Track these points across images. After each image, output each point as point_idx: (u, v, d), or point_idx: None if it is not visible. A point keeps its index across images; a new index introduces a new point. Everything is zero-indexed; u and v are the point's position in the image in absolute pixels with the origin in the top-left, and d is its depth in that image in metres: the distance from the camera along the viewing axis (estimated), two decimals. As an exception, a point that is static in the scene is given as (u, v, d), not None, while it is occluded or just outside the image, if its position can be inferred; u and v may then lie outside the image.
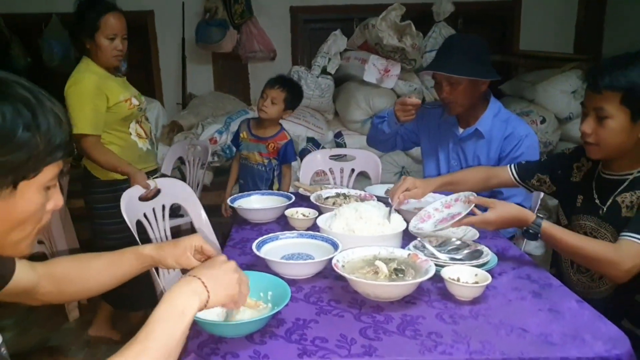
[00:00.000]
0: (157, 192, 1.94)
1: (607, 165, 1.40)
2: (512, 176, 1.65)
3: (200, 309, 0.84)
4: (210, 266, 0.92)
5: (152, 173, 2.21)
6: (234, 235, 1.62)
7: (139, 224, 1.80)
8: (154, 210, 1.91)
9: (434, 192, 1.72)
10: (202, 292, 0.84)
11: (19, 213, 0.72)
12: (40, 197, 0.74)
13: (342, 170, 2.81)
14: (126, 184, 1.94)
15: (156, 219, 1.91)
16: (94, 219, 2.11)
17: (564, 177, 1.54)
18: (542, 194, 2.05)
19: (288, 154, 2.44)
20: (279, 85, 2.33)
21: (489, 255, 1.31)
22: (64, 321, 2.65)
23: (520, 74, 4.11)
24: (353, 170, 2.76)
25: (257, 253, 1.30)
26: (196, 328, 1.02)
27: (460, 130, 1.97)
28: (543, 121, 3.58)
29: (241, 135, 2.47)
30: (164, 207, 1.95)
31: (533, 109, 3.65)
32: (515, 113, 2.42)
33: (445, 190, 1.74)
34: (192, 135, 3.58)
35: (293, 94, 2.38)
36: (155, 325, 0.76)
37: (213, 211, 3.26)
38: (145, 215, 1.85)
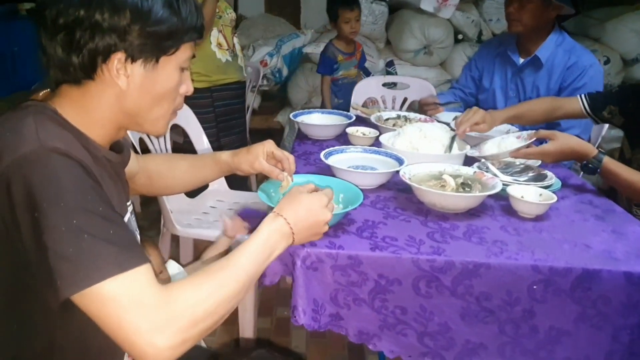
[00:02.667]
0: None
1: None
2: (582, 107, 1.60)
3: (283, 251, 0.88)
4: (296, 201, 0.89)
5: (234, 85, 2.26)
6: (297, 147, 1.68)
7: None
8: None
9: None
10: (289, 237, 0.87)
11: (159, 87, 0.79)
12: (176, 75, 0.81)
13: (394, 99, 2.80)
14: (208, 92, 2.13)
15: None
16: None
17: (634, 108, 1.51)
18: (604, 129, 2.01)
19: (363, 57, 2.94)
20: (355, 5, 2.67)
21: (553, 179, 1.32)
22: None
23: (588, 9, 3.86)
24: (406, 99, 2.75)
25: (326, 161, 1.35)
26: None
27: (521, 60, 1.93)
28: (607, 62, 3.40)
29: (338, 59, 2.74)
30: None
31: (597, 48, 3.46)
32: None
33: (511, 123, 1.73)
34: (243, 56, 3.59)
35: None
36: (245, 258, 0.79)
37: (259, 134, 3.35)
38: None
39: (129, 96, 0.78)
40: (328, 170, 1.35)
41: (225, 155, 1.14)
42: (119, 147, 0.90)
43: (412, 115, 1.89)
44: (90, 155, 0.75)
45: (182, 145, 2.28)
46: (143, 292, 0.66)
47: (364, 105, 3.00)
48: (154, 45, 0.76)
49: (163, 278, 1.12)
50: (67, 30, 0.72)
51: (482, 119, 1.60)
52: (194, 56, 0.85)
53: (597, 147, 1.38)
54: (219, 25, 2.14)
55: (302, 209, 0.88)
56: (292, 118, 1.81)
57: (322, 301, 1.03)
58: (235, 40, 2.30)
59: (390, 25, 3.79)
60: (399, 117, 1.85)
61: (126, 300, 0.64)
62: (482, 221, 1.17)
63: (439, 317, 1.03)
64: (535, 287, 0.99)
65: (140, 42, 0.74)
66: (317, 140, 1.75)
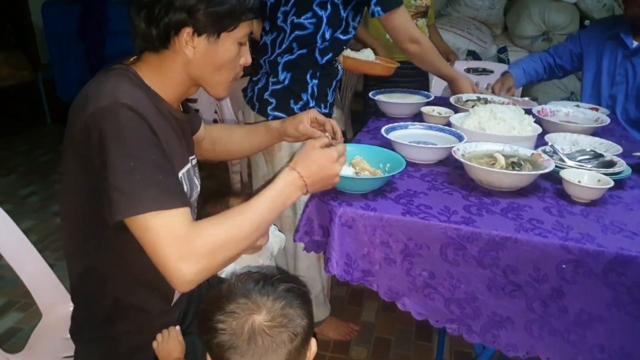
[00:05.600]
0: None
1: None
2: None
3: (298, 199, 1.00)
4: (309, 157, 0.99)
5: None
6: (370, 124, 1.77)
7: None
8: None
9: None
10: (302, 188, 0.98)
11: (219, 58, 0.95)
12: (235, 49, 0.97)
13: (477, 85, 2.71)
14: None
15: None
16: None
17: None
18: None
19: None
20: None
21: (622, 166, 1.25)
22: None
23: None
24: (488, 85, 2.65)
25: (386, 136, 1.43)
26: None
27: (635, 43, 1.78)
28: None
29: None
30: None
31: None
32: None
33: None
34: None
35: None
36: (261, 205, 0.92)
37: (359, 116, 3.47)
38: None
39: (195, 64, 0.95)
40: (390, 145, 1.42)
41: (275, 123, 1.30)
42: (187, 109, 1.09)
43: (496, 98, 1.86)
44: (158, 111, 0.93)
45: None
46: (176, 227, 0.81)
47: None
48: (216, 22, 0.91)
49: None
50: (149, 6, 0.90)
51: None
52: (251, 33, 1.00)
53: None
54: None
55: (314, 164, 0.98)
56: (370, 96, 1.90)
57: (356, 257, 1.14)
58: (416, 22, 2.40)
59: (509, 10, 3.62)
60: (479, 99, 1.83)
61: (161, 231, 0.80)
62: (527, 200, 1.16)
63: (465, 285, 1.07)
64: (564, 266, 0.98)
65: (205, 20, 0.90)
66: (392, 117, 1.82)
